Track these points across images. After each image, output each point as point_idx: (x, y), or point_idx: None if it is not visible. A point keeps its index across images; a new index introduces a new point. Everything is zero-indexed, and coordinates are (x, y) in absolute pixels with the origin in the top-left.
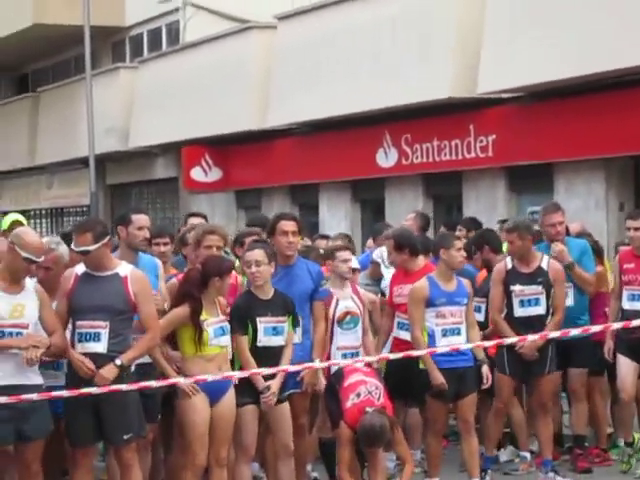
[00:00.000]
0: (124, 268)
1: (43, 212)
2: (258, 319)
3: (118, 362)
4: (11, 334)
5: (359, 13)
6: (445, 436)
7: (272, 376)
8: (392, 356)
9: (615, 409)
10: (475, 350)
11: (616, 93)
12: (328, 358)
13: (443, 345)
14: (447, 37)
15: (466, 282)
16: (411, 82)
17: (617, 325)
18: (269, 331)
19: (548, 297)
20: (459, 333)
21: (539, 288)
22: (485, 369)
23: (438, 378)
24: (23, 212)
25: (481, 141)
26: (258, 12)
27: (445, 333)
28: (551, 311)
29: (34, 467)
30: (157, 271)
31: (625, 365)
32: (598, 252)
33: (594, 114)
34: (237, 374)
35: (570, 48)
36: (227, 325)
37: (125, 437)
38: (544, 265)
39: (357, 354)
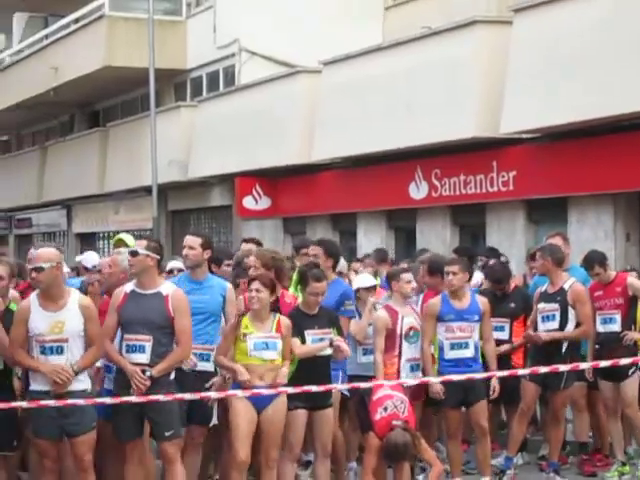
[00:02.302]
0: (167, 287)
1: (110, 234)
2: (306, 332)
3: (148, 373)
4: (51, 348)
5: (395, 60)
6: (465, 440)
7: (324, 382)
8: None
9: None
10: (488, 363)
11: (623, 135)
12: (398, 370)
13: (451, 357)
14: (473, 83)
15: (482, 301)
16: (441, 122)
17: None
18: (316, 341)
19: (564, 314)
20: (467, 347)
21: (555, 305)
22: (494, 381)
23: (433, 387)
24: (92, 234)
25: (503, 176)
26: (305, 58)
27: (453, 347)
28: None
29: (85, 460)
30: (225, 293)
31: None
32: None
33: (604, 153)
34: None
35: (583, 95)
36: (276, 342)
37: (167, 434)
38: (566, 286)
39: (419, 365)
